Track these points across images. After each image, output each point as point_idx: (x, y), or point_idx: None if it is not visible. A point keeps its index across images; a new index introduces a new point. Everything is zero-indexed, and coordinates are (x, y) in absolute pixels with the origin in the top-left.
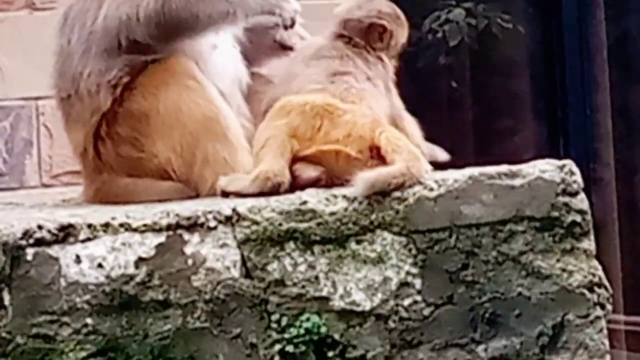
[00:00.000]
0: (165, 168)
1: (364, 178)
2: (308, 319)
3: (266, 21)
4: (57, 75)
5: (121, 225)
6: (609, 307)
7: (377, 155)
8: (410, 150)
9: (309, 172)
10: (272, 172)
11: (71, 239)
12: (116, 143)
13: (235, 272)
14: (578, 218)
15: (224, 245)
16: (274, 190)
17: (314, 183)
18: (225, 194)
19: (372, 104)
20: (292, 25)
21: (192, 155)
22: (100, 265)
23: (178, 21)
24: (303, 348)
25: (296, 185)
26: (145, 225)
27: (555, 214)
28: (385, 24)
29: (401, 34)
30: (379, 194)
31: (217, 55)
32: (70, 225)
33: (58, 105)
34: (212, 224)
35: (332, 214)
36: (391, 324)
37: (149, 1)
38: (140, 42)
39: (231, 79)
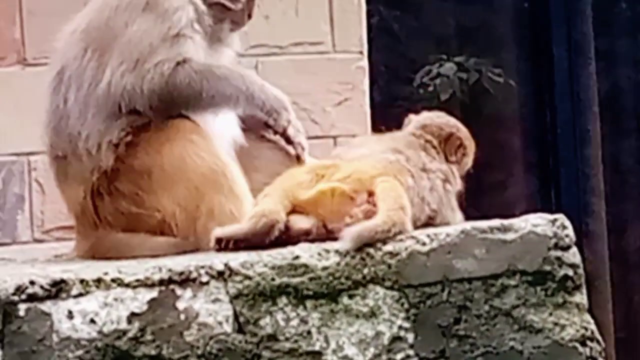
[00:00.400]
0: (167, 222)
1: (350, 232)
2: None
3: (261, 117)
4: (51, 134)
5: (113, 280)
6: None
7: (373, 202)
8: (397, 200)
9: (301, 223)
10: (268, 211)
11: (63, 295)
12: (115, 199)
13: (228, 327)
14: (570, 272)
15: (216, 300)
16: (268, 229)
17: (306, 235)
18: (220, 241)
19: (406, 180)
20: (283, 133)
21: (197, 209)
22: (92, 321)
23: (181, 98)
24: None
25: (288, 237)
26: (137, 280)
27: (548, 268)
28: (463, 138)
29: (471, 157)
30: (371, 248)
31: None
32: (63, 281)
33: (51, 163)
34: (205, 278)
35: (324, 268)
36: None
37: (153, 75)
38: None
39: (227, 140)
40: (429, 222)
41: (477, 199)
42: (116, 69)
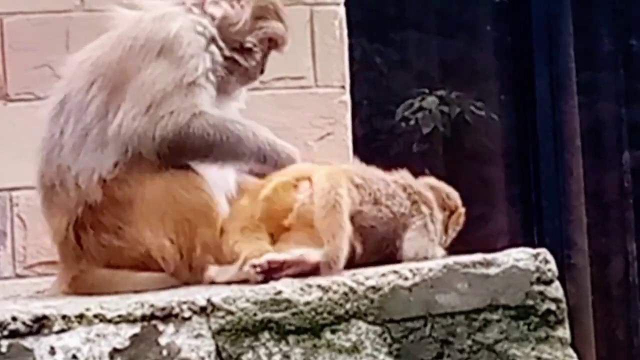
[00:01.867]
0: (152, 256)
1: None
2: None
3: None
4: (42, 162)
5: (95, 316)
6: None
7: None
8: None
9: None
10: (253, 256)
11: (45, 331)
12: (98, 232)
13: None
14: (553, 306)
15: (198, 335)
16: (262, 273)
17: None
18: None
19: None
20: None
21: (191, 242)
22: (74, 357)
23: (192, 150)
24: None
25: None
26: (119, 316)
27: (530, 302)
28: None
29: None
30: (353, 283)
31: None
32: (45, 317)
33: (39, 189)
34: (187, 314)
35: (306, 303)
36: None
37: (167, 122)
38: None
39: (220, 187)
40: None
41: (459, 233)
42: (128, 111)
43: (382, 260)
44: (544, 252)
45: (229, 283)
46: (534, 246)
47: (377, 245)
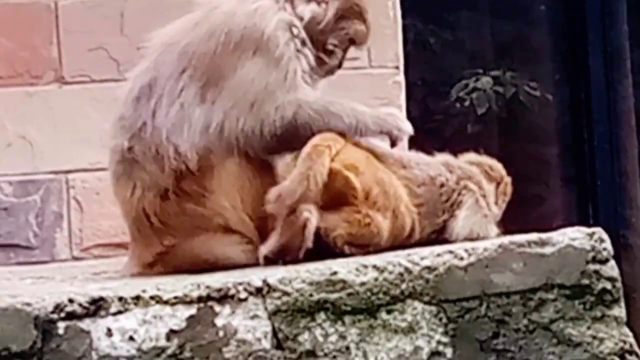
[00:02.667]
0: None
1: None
2: None
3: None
4: (130, 138)
5: (152, 297)
6: None
7: None
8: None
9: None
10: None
11: (102, 312)
12: (182, 200)
13: (267, 344)
14: (608, 285)
15: (254, 316)
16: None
17: None
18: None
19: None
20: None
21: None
22: (131, 338)
23: (300, 139)
24: None
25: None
26: (176, 297)
27: (586, 281)
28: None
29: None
30: (409, 263)
31: None
32: (101, 299)
33: (117, 163)
34: (243, 295)
35: (362, 284)
36: None
37: (275, 118)
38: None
39: None
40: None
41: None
42: (229, 111)
43: (435, 240)
44: (599, 232)
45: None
46: (589, 225)
47: (431, 221)
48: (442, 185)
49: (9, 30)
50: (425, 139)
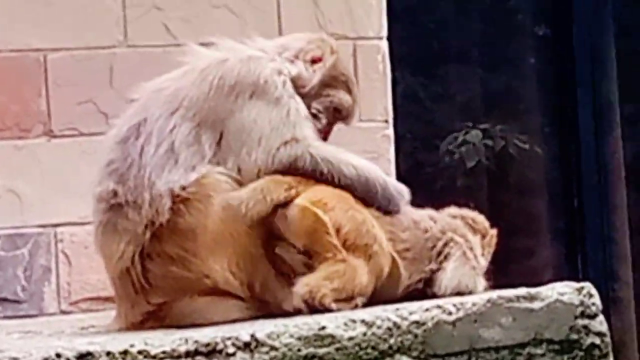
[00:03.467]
0: (220, 289)
1: None
2: None
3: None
4: (116, 180)
5: (140, 352)
6: None
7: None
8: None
9: None
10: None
11: None
12: (164, 262)
13: None
14: (597, 340)
15: None
16: None
17: None
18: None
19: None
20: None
21: (251, 278)
22: None
23: (308, 177)
24: None
25: None
26: (164, 352)
27: (575, 336)
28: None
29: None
30: (397, 318)
31: None
32: (89, 353)
33: (104, 212)
34: (231, 350)
35: (350, 338)
36: None
37: (283, 154)
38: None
39: None
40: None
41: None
42: (239, 151)
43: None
44: (588, 286)
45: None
46: (577, 279)
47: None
48: (426, 231)
49: None
50: (415, 192)
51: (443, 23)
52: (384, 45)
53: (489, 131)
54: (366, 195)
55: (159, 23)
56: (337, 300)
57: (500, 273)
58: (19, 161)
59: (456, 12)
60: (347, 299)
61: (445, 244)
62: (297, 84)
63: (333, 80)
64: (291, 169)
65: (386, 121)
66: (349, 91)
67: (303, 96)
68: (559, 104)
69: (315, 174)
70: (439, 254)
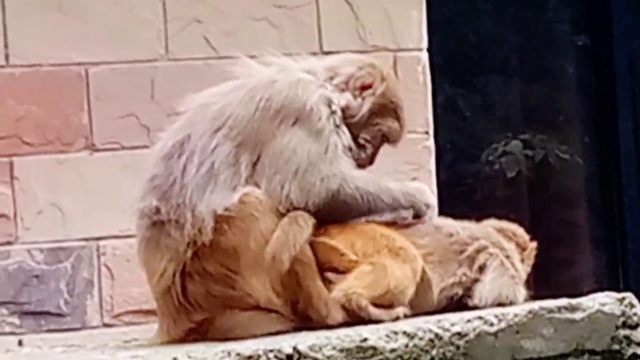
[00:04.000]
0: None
1: None
2: None
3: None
4: (159, 197)
5: None
6: None
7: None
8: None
9: None
10: None
11: None
12: (206, 281)
13: None
14: (639, 350)
15: None
16: None
17: None
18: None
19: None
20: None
21: (295, 296)
22: None
23: (343, 213)
24: None
25: None
26: None
27: (616, 347)
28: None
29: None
30: (439, 329)
31: None
32: None
33: (146, 229)
34: None
35: (392, 350)
36: None
37: (319, 189)
38: None
39: None
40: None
41: (544, 276)
42: (271, 177)
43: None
44: (629, 297)
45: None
46: (619, 290)
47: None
48: (450, 235)
49: (40, 98)
50: (455, 203)
51: (482, 34)
52: (424, 57)
53: (529, 142)
54: (398, 217)
55: (199, 36)
56: (375, 302)
57: (541, 283)
58: (61, 175)
59: (495, 23)
60: (385, 299)
61: (478, 251)
62: (345, 113)
63: (382, 109)
64: (327, 204)
65: (427, 132)
66: (397, 118)
67: (351, 125)
68: (599, 114)
69: (351, 206)
70: (473, 260)
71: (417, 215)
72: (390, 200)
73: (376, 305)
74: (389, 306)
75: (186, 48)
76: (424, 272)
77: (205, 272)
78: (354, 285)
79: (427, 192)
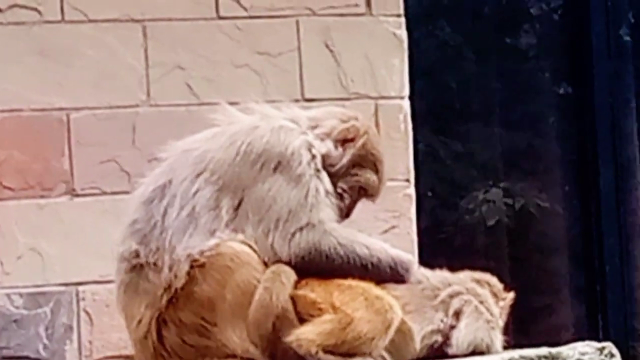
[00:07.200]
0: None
1: None
2: None
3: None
4: (139, 241)
5: None
6: None
7: None
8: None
9: None
10: None
11: None
12: (181, 329)
13: None
14: None
15: None
16: None
17: None
18: None
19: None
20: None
21: (274, 347)
22: None
23: (322, 264)
24: None
25: None
26: None
27: None
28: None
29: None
30: None
31: None
32: None
33: (124, 273)
34: None
35: None
36: None
37: (299, 240)
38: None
39: None
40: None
41: (524, 325)
42: (256, 225)
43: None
44: (609, 346)
45: None
46: (598, 339)
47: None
48: (419, 282)
49: (21, 143)
50: (436, 251)
51: (464, 82)
52: (406, 104)
53: (509, 190)
54: (377, 274)
55: (181, 82)
56: (332, 350)
57: (521, 332)
58: (42, 220)
59: (477, 71)
60: (343, 349)
61: (452, 296)
62: (325, 162)
63: (361, 160)
64: (308, 255)
65: (407, 180)
66: (376, 171)
67: (330, 174)
68: (580, 163)
69: (331, 258)
70: (448, 306)
71: (395, 274)
72: (371, 261)
73: (337, 354)
74: (351, 355)
75: (168, 94)
76: (403, 322)
77: (181, 322)
78: (307, 332)
79: (412, 260)
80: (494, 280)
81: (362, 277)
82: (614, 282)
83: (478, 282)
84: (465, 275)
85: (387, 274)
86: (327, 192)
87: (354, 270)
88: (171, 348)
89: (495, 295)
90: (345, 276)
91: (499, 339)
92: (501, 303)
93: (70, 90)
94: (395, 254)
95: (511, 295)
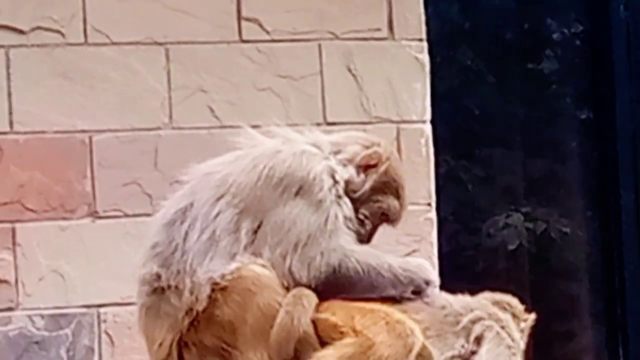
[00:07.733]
0: None
1: None
2: None
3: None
4: (161, 264)
5: None
6: None
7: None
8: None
9: None
10: None
11: None
12: (202, 352)
13: None
14: None
15: None
16: None
17: None
18: None
19: None
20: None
21: None
22: None
23: (341, 288)
24: None
25: None
26: None
27: None
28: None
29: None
30: None
31: None
32: None
33: (147, 296)
34: None
35: None
36: None
37: (320, 263)
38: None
39: None
40: None
41: (545, 350)
42: (274, 248)
43: None
44: None
45: None
46: None
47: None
48: (443, 307)
49: (43, 165)
50: (456, 275)
51: (486, 107)
52: (428, 129)
53: (530, 214)
54: (399, 293)
55: (203, 105)
56: None
57: (542, 357)
58: (63, 241)
59: (499, 96)
60: None
61: (474, 322)
62: (347, 188)
63: (383, 186)
64: (329, 278)
65: (429, 204)
66: (398, 196)
67: (352, 200)
68: (601, 188)
69: (353, 281)
70: (469, 332)
71: (417, 292)
72: (390, 276)
73: None
74: None
75: (190, 117)
76: (424, 347)
77: (202, 345)
78: (328, 355)
79: (428, 268)
80: (514, 301)
81: (385, 293)
82: (634, 307)
83: (499, 304)
84: (486, 298)
85: (408, 292)
86: (345, 219)
87: (372, 291)
88: None
89: (516, 317)
90: (368, 294)
91: None
92: (522, 325)
93: (93, 112)
94: (415, 270)
95: (532, 316)
